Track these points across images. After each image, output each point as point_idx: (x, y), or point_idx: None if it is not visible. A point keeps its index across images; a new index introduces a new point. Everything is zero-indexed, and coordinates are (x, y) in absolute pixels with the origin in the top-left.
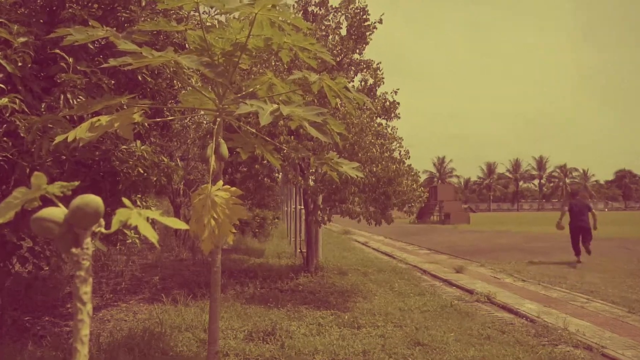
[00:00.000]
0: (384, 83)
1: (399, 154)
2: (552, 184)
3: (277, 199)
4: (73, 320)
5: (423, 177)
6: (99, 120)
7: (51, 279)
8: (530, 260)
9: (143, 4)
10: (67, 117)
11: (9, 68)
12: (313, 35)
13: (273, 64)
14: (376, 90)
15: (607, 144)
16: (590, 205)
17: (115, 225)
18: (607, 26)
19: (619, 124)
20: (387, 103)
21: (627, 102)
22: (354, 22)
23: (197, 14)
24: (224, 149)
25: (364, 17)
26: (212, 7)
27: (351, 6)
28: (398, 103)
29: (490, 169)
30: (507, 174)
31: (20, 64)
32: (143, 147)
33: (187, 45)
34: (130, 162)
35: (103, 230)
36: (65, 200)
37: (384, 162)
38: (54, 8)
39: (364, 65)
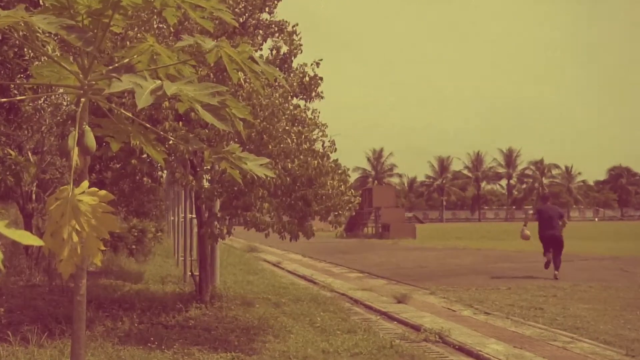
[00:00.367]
0: (302, 52)
1: (322, 145)
2: (524, 185)
3: (160, 205)
4: None
5: (354, 177)
6: None
7: None
8: (495, 287)
9: None
10: None
11: None
12: None
13: (155, 26)
14: (292, 61)
15: (597, 134)
16: (562, 212)
17: None
18: None
19: (612, 109)
20: (307, 78)
21: (623, 81)
22: None
23: None
24: (90, 139)
25: None
26: None
27: None
28: (321, 78)
29: (443, 165)
30: (466, 172)
31: None
32: None
33: (42, 1)
34: None
35: None
36: None
37: (302, 157)
38: None
39: (276, 28)
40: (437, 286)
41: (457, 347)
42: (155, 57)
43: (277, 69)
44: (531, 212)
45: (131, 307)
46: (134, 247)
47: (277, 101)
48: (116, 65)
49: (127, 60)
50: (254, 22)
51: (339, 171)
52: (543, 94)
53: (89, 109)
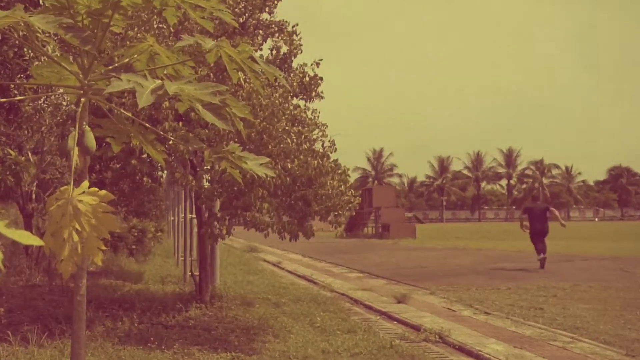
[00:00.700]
0: (302, 52)
1: (322, 145)
2: (524, 185)
3: (160, 205)
4: None
5: (354, 177)
6: None
7: None
8: (495, 287)
9: None
10: None
11: None
12: None
13: (155, 26)
14: (292, 61)
15: (598, 134)
16: (548, 206)
17: None
18: None
19: (613, 107)
20: (307, 78)
21: (623, 81)
22: None
23: None
24: (90, 139)
25: None
26: None
27: None
28: (321, 78)
29: (443, 165)
30: (466, 172)
31: None
32: None
33: (41, 1)
34: None
35: None
36: None
37: (302, 157)
38: None
39: (276, 28)
40: (437, 286)
41: (457, 347)
42: (154, 57)
43: (277, 68)
44: (525, 215)
45: (131, 307)
46: (134, 247)
47: (277, 101)
48: (116, 65)
49: (126, 60)
50: (254, 22)
51: (339, 171)
52: (543, 94)
53: (89, 109)
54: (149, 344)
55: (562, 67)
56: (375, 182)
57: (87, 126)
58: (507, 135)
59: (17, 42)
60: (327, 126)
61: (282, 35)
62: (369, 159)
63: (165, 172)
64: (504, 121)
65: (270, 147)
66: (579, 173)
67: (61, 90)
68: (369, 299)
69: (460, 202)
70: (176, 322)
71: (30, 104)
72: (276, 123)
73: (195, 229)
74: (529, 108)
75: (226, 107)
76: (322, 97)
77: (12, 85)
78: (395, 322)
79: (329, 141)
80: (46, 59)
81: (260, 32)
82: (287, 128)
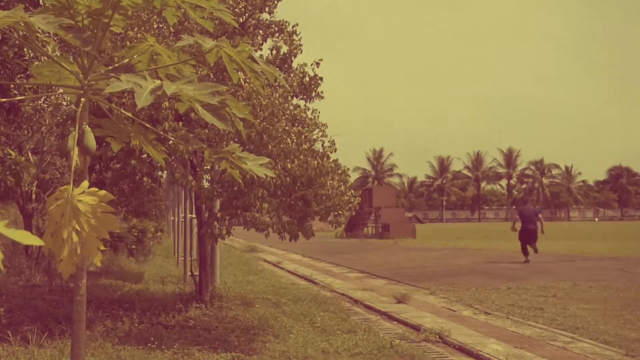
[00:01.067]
0: (302, 52)
1: (322, 145)
2: (524, 185)
3: (160, 205)
4: None
5: (354, 177)
6: None
7: None
8: (495, 287)
9: None
10: None
11: None
12: None
13: (155, 26)
14: (292, 61)
15: (597, 134)
16: (537, 211)
17: None
18: None
19: (613, 107)
20: (307, 78)
21: (623, 81)
22: None
23: None
24: (90, 139)
25: None
26: None
27: None
28: (321, 78)
29: (443, 165)
30: (466, 172)
31: None
32: None
33: (41, 1)
34: None
35: None
36: None
37: (302, 157)
38: None
39: (276, 28)
40: (437, 286)
41: (457, 347)
42: (155, 57)
43: (277, 69)
44: (517, 216)
45: (131, 307)
46: (134, 247)
47: (277, 101)
48: (116, 65)
49: (126, 60)
50: (254, 22)
51: (339, 171)
52: (544, 94)
53: (89, 109)
54: (149, 344)
55: (562, 67)
56: (375, 182)
57: (87, 126)
58: (507, 135)
59: (17, 42)
60: (327, 126)
61: (282, 35)
62: (369, 159)
63: (165, 172)
64: (504, 121)
65: (270, 147)
66: (579, 173)
67: (61, 90)
68: (369, 299)
69: (460, 202)
70: (176, 322)
71: (30, 104)
72: (276, 123)
73: (195, 229)
74: (529, 108)
75: (226, 107)
76: (322, 97)
77: (12, 85)
78: (395, 322)
79: (329, 141)
80: (46, 59)
81: (260, 32)
82: (287, 128)
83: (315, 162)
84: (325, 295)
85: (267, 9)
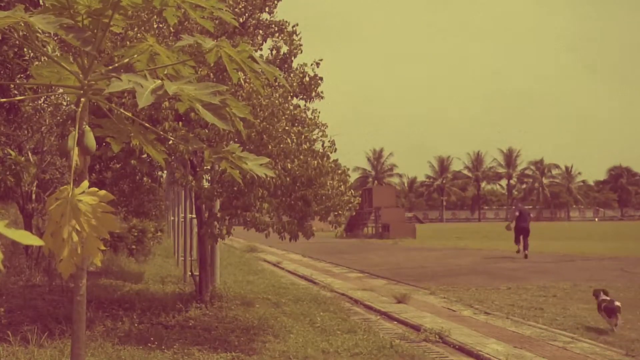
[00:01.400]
0: (302, 52)
1: (322, 145)
2: (524, 186)
3: (160, 205)
4: None
5: (354, 177)
6: None
7: None
8: (495, 287)
9: None
10: None
11: None
12: None
13: (155, 26)
14: (292, 61)
15: (598, 133)
16: (530, 211)
17: None
18: None
19: (613, 107)
20: (307, 78)
21: (623, 80)
22: None
23: None
24: (90, 139)
25: None
26: None
27: None
28: (321, 78)
29: (443, 165)
30: (466, 172)
31: None
32: None
33: (41, 1)
34: None
35: None
36: None
37: (302, 157)
38: None
39: (276, 28)
40: (437, 286)
41: (457, 347)
42: (154, 57)
43: (277, 68)
44: (517, 213)
45: (131, 307)
46: (134, 247)
47: (277, 101)
48: (116, 65)
49: (126, 60)
50: (254, 22)
51: (339, 171)
52: (543, 94)
53: (89, 109)
54: (149, 344)
55: (562, 67)
56: (375, 182)
57: (87, 126)
58: (507, 134)
59: (17, 42)
60: (327, 126)
61: (282, 35)
62: (369, 159)
63: (165, 172)
64: (504, 121)
65: (270, 147)
66: (579, 173)
67: (61, 90)
68: (369, 299)
69: (460, 202)
70: (176, 322)
71: (30, 104)
72: (276, 123)
73: (195, 229)
74: (529, 108)
75: (226, 107)
76: (322, 97)
77: (12, 85)
78: (395, 322)
79: (329, 141)
80: (46, 59)
81: (260, 32)
82: (287, 128)
83: (315, 162)
84: (325, 295)
85: (267, 9)
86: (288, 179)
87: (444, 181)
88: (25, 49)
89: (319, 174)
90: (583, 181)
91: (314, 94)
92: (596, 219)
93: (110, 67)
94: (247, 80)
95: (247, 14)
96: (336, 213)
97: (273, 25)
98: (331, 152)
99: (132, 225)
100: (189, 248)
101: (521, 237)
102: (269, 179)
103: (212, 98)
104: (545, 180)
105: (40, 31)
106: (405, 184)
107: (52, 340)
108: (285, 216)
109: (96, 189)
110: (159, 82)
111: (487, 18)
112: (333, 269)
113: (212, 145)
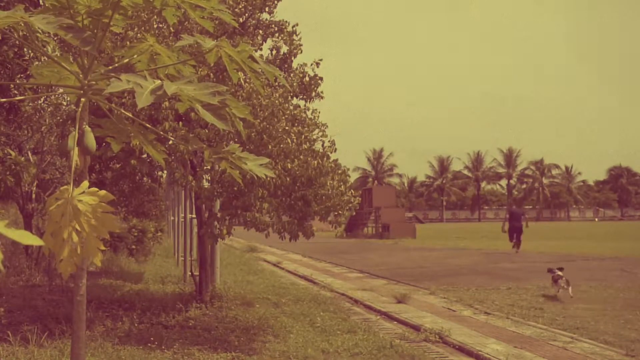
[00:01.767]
0: (302, 52)
1: (322, 145)
2: (524, 186)
3: (160, 205)
4: None
5: (354, 177)
6: None
7: None
8: (495, 287)
9: None
10: None
11: None
12: None
13: (155, 26)
14: (292, 61)
15: (598, 134)
16: (523, 212)
17: None
18: None
19: (613, 107)
20: (307, 78)
21: (623, 81)
22: None
23: None
24: (90, 139)
25: None
26: None
27: None
28: (321, 78)
29: (443, 165)
30: (466, 172)
31: None
32: None
33: (41, 1)
34: None
35: None
36: None
37: (302, 157)
38: None
39: (276, 28)
40: (437, 286)
41: (457, 347)
42: (154, 57)
43: (277, 68)
44: (508, 215)
45: (131, 307)
46: (134, 247)
47: (277, 101)
48: (116, 65)
49: (126, 60)
50: (254, 22)
51: (339, 171)
52: (544, 94)
53: (89, 109)
54: (149, 344)
55: (562, 68)
56: (375, 182)
57: (87, 126)
58: (507, 134)
59: (17, 42)
60: (327, 126)
61: (282, 35)
62: (369, 159)
63: (165, 172)
64: (504, 121)
65: (270, 147)
66: (579, 173)
67: (61, 90)
68: (369, 299)
69: (460, 202)
70: (176, 322)
71: (30, 104)
72: (276, 123)
73: (195, 229)
74: (530, 108)
75: (226, 107)
76: (322, 97)
77: (12, 85)
78: (395, 322)
79: (329, 141)
80: (46, 59)
81: (260, 32)
82: (287, 128)
83: (315, 162)
84: (325, 295)
85: (267, 9)
86: (288, 179)
87: (444, 181)
88: (25, 49)
89: (319, 174)
90: (583, 181)
91: (314, 94)
92: (596, 219)
93: (110, 67)
94: (247, 80)
95: (247, 14)
96: (336, 213)
97: (273, 25)
98: (331, 152)
99: (132, 225)
100: (189, 248)
101: (515, 235)
102: (269, 179)
103: (212, 98)
104: (545, 181)
105: (40, 31)
106: (405, 184)
107: (52, 340)
108: (285, 216)
109: (96, 189)
110: (158, 82)
111: (487, 19)
112: (333, 269)
113: (212, 145)
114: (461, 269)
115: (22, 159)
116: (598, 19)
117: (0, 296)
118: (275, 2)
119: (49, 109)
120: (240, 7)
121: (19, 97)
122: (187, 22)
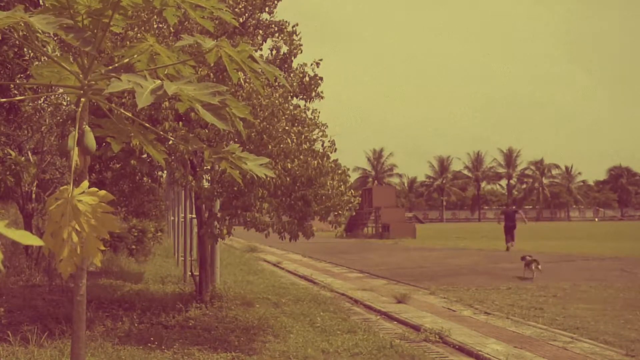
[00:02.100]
0: (302, 52)
1: (322, 145)
2: (524, 186)
3: (160, 205)
4: None
5: (354, 177)
6: None
7: None
8: (495, 287)
9: None
10: None
11: None
12: None
13: (155, 26)
14: (292, 61)
15: (598, 134)
16: (517, 211)
17: None
18: None
19: (612, 107)
20: (307, 78)
21: (624, 81)
22: None
23: None
24: (90, 139)
25: None
26: None
27: None
28: (321, 78)
29: (443, 165)
30: (466, 172)
31: None
32: None
33: (41, 1)
34: None
35: None
36: None
37: (302, 157)
38: None
39: (276, 28)
40: (437, 286)
41: (457, 347)
42: (154, 57)
43: (277, 68)
44: (503, 216)
45: (131, 307)
46: (134, 247)
47: (277, 101)
48: (116, 65)
49: (126, 60)
50: (254, 22)
51: (339, 171)
52: (544, 94)
53: (89, 109)
54: (149, 344)
55: (562, 68)
56: (375, 182)
57: (87, 126)
58: (507, 134)
59: (17, 42)
60: (327, 126)
61: (282, 35)
62: (369, 159)
63: (165, 172)
64: (504, 121)
65: (270, 147)
66: (579, 173)
67: (61, 90)
68: (369, 299)
69: (460, 202)
70: (176, 322)
71: (30, 104)
72: (276, 123)
73: (195, 229)
74: (529, 108)
75: (226, 107)
76: (322, 97)
77: (12, 85)
78: (395, 322)
79: (329, 141)
80: (46, 59)
81: (260, 32)
82: (287, 128)
83: (315, 162)
84: (325, 295)
85: (267, 9)
86: (288, 179)
87: (444, 181)
88: (25, 49)
89: (319, 174)
90: (583, 181)
91: (314, 94)
92: (596, 219)
93: (110, 67)
94: (247, 80)
95: (247, 14)
96: (336, 213)
97: (273, 25)
98: (331, 152)
99: (132, 225)
100: (189, 248)
101: (511, 233)
102: (269, 179)
103: (212, 98)
104: (545, 180)
105: (40, 31)
106: (405, 184)
107: (52, 340)
108: (285, 216)
109: (96, 189)
110: (158, 82)
111: (487, 19)
112: (333, 269)
113: (212, 145)
114: (461, 269)
115: (22, 159)
116: (598, 19)
117: (0, 296)
118: (275, 2)
119: (49, 109)
120: (240, 7)
121: (19, 97)
122: (187, 22)
